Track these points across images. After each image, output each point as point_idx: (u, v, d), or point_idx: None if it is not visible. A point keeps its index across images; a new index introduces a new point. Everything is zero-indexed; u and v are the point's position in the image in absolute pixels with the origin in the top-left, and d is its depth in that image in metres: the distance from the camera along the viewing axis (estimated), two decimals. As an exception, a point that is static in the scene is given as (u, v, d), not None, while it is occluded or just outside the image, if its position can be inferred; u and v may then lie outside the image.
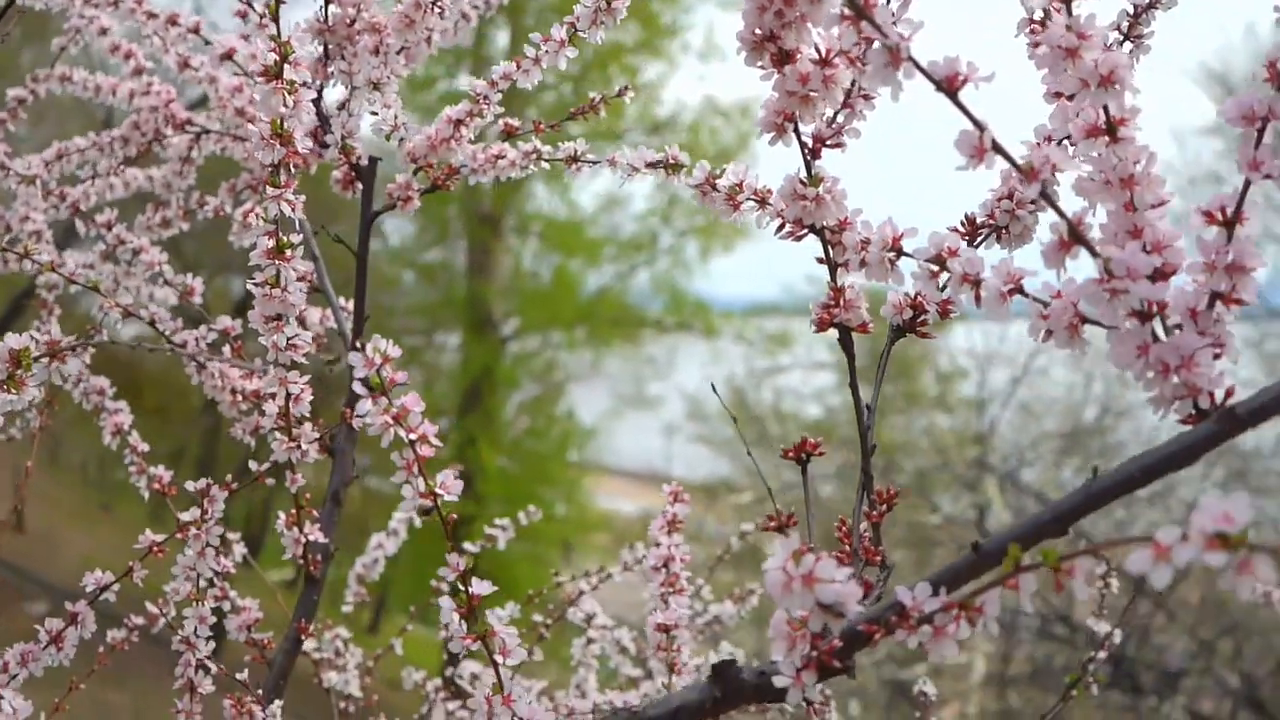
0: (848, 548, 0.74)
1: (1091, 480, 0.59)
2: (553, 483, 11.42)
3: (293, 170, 0.85)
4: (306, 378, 0.99)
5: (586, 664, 1.44)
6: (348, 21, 1.04)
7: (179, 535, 1.07)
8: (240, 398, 1.15)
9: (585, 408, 12.37)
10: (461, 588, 0.74)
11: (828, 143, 0.72)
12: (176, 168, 1.37)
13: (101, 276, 1.32)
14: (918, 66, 0.59)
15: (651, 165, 0.97)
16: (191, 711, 1.07)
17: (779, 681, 0.63)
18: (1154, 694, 5.95)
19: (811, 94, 0.68)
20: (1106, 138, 0.63)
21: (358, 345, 0.70)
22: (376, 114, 1.07)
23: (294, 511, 1.07)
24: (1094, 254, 0.60)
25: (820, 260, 0.75)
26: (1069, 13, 0.62)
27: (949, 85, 0.59)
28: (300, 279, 0.99)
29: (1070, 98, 0.65)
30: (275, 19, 0.85)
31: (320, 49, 1.07)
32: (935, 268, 0.69)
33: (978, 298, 0.67)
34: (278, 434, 1.01)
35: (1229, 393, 0.59)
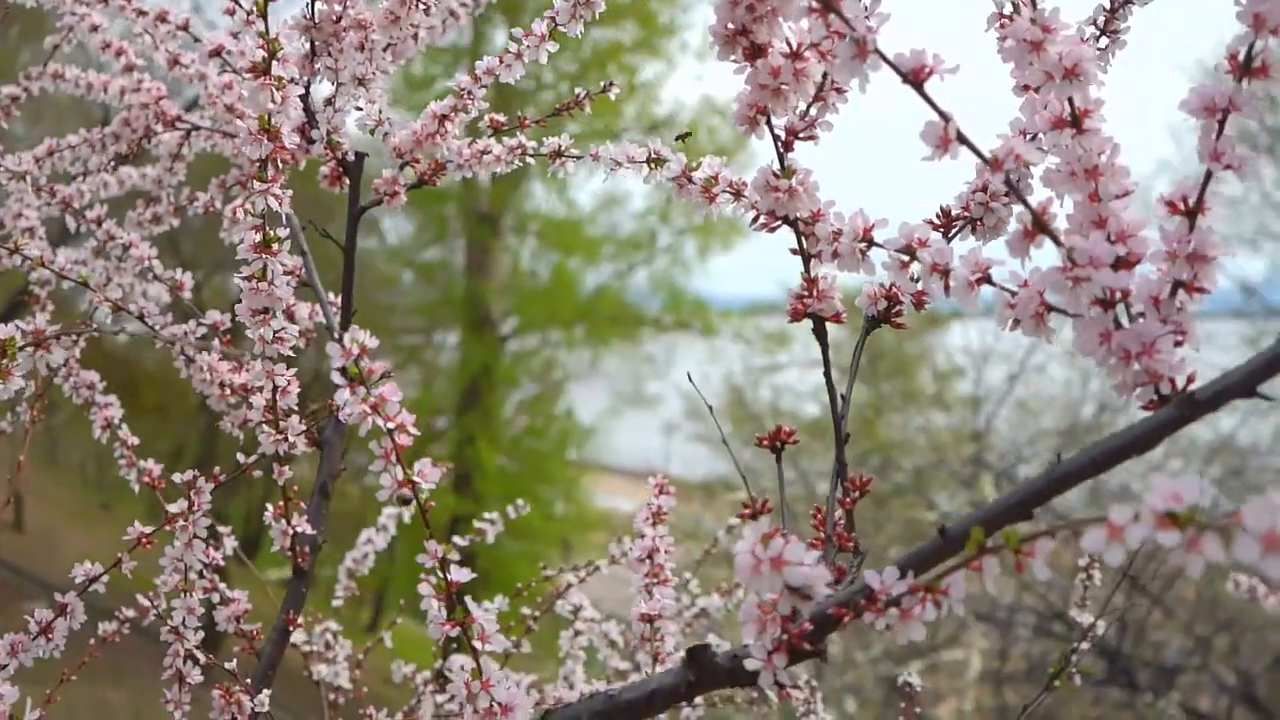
0: (822, 534, 0.75)
1: (1055, 465, 0.60)
2: (551, 481, 11.44)
3: (280, 165, 0.86)
4: (293, 370, 1.00)
5: (574, 656, 1.45)
6: (334, 18, 1.05)
7: (167, 527, 1.08)
8: (229, 391, 1.16)
9: (584, 406, 12.39)
10: (440, 574, 0.75)
11: (800, 135, 0.74)
12: (167, 164, 1.38)
13: (93, 272, 1.33)
14: (884, 58, 0.60)
15: (635, 160, 0.98)
16: (180, 701, 1.08)
17: (751, 664, 0.64)
18: (1150, 690, 5.96)
19: (783, 87, 0.69)
20: (1072, 129, 0.64)
21: (337, 336, 0.71)
22: (361, 109, 1.08)
23: (282, 504, 1.08)
24: (1057, 243, 0.61)
25: (794, 251, 0.76)
26: (1034, 6, 0.63)
27: (915, 77, 0.60)
28: (289, 274, 1.00)
29: (1037, 90, 0.66)
30: (264, 16, 0.86)
31: (307, 46, 1.08)
32: (906, 258, 0.70)
33: (946, 287, 0.68)
34: (265, 427, 1.02)
35: (1190, 379, 0.60)
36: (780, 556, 0.60)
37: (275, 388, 0.98)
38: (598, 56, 11.12)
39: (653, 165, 0.93)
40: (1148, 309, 0.62)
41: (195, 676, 1.08)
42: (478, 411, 11.33)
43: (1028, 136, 0.73)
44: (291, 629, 1.11)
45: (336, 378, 0.71)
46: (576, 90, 1.15)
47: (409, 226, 12.31)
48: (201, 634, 1.05)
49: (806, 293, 0.76)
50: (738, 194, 0.82)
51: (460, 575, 0.76)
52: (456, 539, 1.48)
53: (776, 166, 0.73)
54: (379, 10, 1.08)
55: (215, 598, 1.13)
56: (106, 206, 1.36)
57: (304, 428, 1.03)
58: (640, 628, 1.06)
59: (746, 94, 0.71)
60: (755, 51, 0.69)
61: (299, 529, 1.09)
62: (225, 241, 1.39)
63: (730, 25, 0.69)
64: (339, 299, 1.22)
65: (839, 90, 0.73)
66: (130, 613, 1.28)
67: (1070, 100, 0.64)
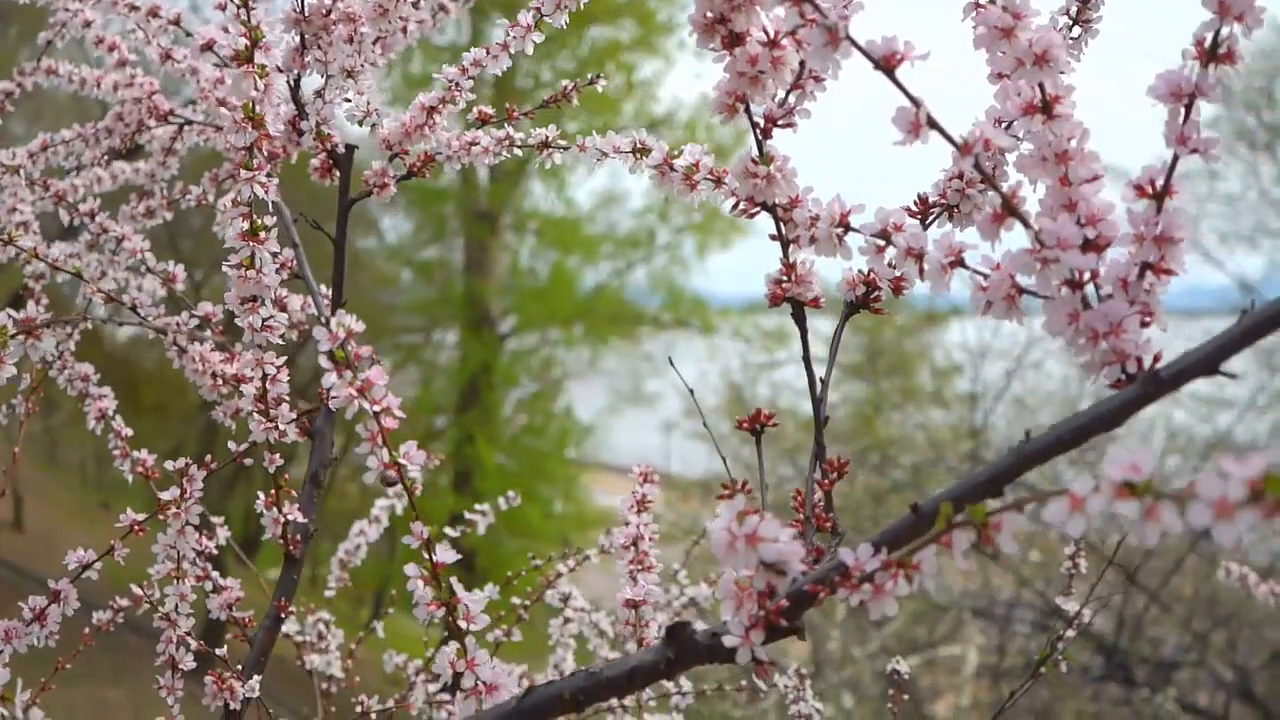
0: (802, 516, 0.76)
1: (1024, 442, 0.61)
2: (551, 480, 11.45)
3: (265, 153, 0.87)
4: (284, 359, 1.02)
5: (564, 644, 1.47)
6: (323, 12, 1.07)
7: (160, 516, 1.09)
8: (220, 381, 1.17)
9: (583, 405, 12.40)
10: (426, 555, 0.76)
11: (779, 123, 0.75)
12: (160, 159, 1.39)
13: (87, 266, 1.34)
14: (855, 45, 0.61)
15: (621, 150, 0.99)
16: (173, 687, 1.09)
17: (728, 641, 0.65)
18: (1147, 686, 5.98)
19: (761, 75, 0.70)
20: (1042, 115, 0.65)
21: (324, 321, 0.72)
22: (350, 100, 1.09)
23: (273, 492, 1.09)
24: (1026, 225, 0.62)
25: (773, 237, 0.77)
26: (1006, -7, 0.64)
27: (886, 64, 0.62)
28: (280, 266, 1.01)
29: (1009, 77, 0.67)
30: (245, 4, 0.87)
31: (297, 39, 1.09)
32: (881, 242, 0.71)
33: (921, 271, 0.69)
34: (256, 415, 1.03)
35: (1156, 358, 0.61)
36: (755, 533, 0.61)
37: (265, 376, 0.99)
38: (596, 55, 11.14)
39: (638, 155, 0.95)
40: (1116, 291, 0.63)
41: (188, 663, 1.09)
42: (477, 410, 11.34)
43: (1003, 124, 0.75)
44: (284, 616, 1.12)
45: (324, 361, 0.73)
46: (564, 83, 1.17)
47: (408, 225, 12.33)
48: (191, 619, 1.06)
49: (785, 277, 0.77)
50: (718, 181, 0.83)
51: (446, 556, 0.77)
52: (449, 530, 1.49)
53: (755, 153, 0.74)
54: (368, 4, 1.09)
55: (208, 586, 1.14)
56: (100, 200, 1.37)
57: (295, 416, 1.04)
58: (625, 613, 1.07)
59: (725, 82, 0.72)
60: (733, 40, 0.70)
61: (291, 517, 1.10)
62: (219, 235, 1.40)
63: (709, 14, 0.70)
64: (329, 290, 1.23)
65: (817, 79, 0.75)
66: (124, 602, 1.30)
67: (1041, 86, 0.65)
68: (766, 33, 0.70)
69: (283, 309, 1.00)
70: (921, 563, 0.61)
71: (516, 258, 12.22)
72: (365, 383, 0.73)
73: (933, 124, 0.62)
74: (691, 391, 0.94)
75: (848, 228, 0.74)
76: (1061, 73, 0.66)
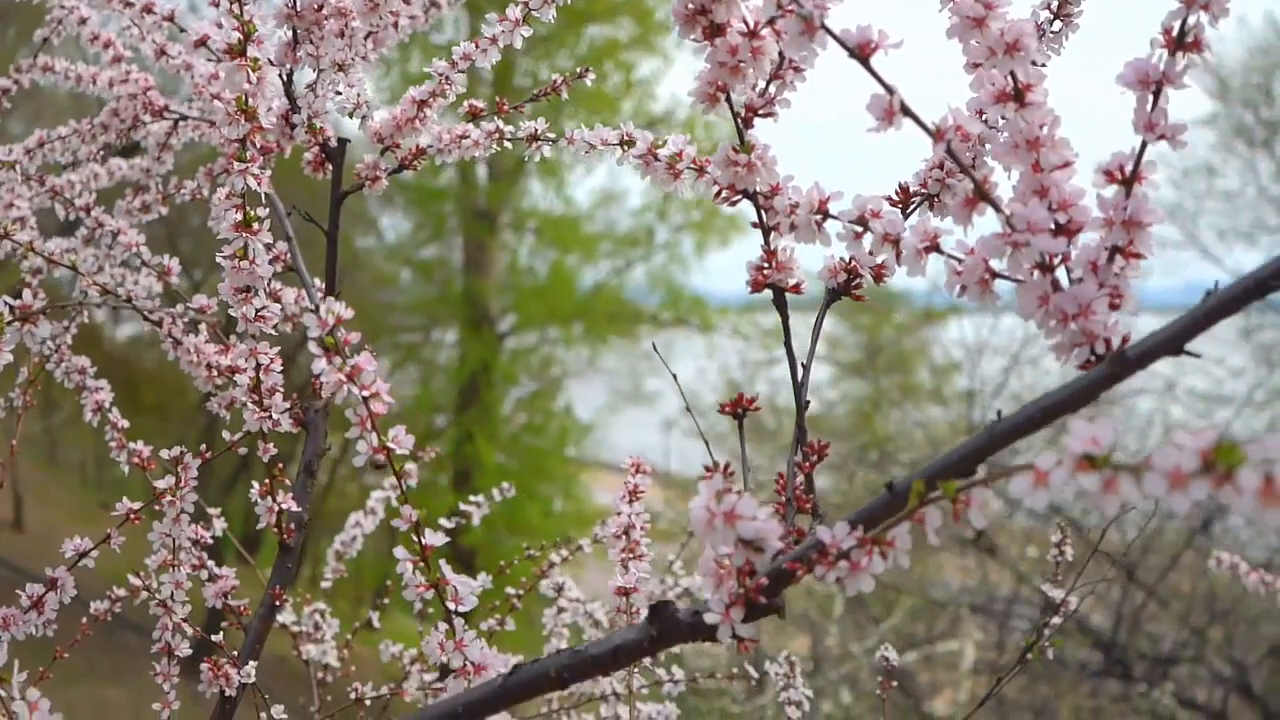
0: (784, 498, 0.78)
1: (996, 422, 0.62)
2: (551, 478, 11.46)
3: (258, 145, 0.89)
4: (278, 349, 1.03)
5: (558, 634, 1.48)
6: (315, 7, 1.08)
7: (155, 505, 1.11)
8: (215, 372, 1.18)
9: (583, 403, 12.41)
10: (415, 538, 0.78)
11: (759, 112, 0.76)
12: (155, 154, 1.41)
13: (82, 260, 1.36)
14: (831, 34, 0.63)
15: (608, 143, 1.01)
16: (169, 674, 1.11)
17: (709, 618, 0.67)
18: (1145, 681, 5.99)
19: (741, 65, 0.72)
20: (1014, 103, 0.67)
21: (314, 308, 0.73)
22: (340, 93, 1.10)
23: (267, 481, 1.11)
24: (998, 210, 0.64)
25: (754, 224, 0.79)
26: (979, -17, 0.66)
27: (861, 52, 0.63)
28: (274, 259, 1.02)
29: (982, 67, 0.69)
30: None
31: (289, 34, 1.10)
32: (859, 229, 0.73)
33: (898, 256, 0.71)
34: (250, 405, 1.04)
35: (1125, 339, 0.63)
36: (733, 511, 0.62)
37: (259, 365, 1.01)
38: (595, 53, 11.15)
39: (624, 147, 0.96)
40: (1086, 274, 0.65)
41: (184, 649, 1.11)
42: (476, 409, 11.36)
43: (981, 114, 0.76)
44: (278, 604, 1.13)
45: (314, 347, 0.74)
46: (554, 77, 1.18)
47: (406, 224, 12.35)
48: (188, 606, 1.08)
49: (766, 264, 0.79)
50: (701, 170, 0.84)
51: (434, 539, 0.79)
52: (443, 521, 1.50)
53: (736, 142, 0.76)
54: (359, -1, 1.10)
55: (204, 575, 1.16)
56: (96, 196, 1.39)
57: (288, 406, 1.06)
58: (616, 600, 1.08)
59: (707, 72, 0.74)
60: (714, 30, 0.72)
61: (285, 506, 1.11)
62: (214, 230, 1.42)
63: (690, 5, 0.71)
64: (324, 283, 1.25)
65: (796, 69, 0.76)
66: (121, 592, 1.31)
67: (1013, 74, 0.67)
68: (746, 23, 0.71)
69: (276, 301, 1.02)
70: (896, 539, 0.62)
71: (515, 256, 12.24)
72: (354, 368, 0.75)
73: (906, 111, 0.63)
74: (675, 376, 0.96)
75: (826, 214, 0.75)
76: (1034, 63, 0.68)
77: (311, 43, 1.08)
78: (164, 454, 1.05)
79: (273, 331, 0.99)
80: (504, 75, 10.33)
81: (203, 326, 1.21)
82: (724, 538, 0.63)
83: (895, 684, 1.32)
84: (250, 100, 0.87)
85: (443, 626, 0.78)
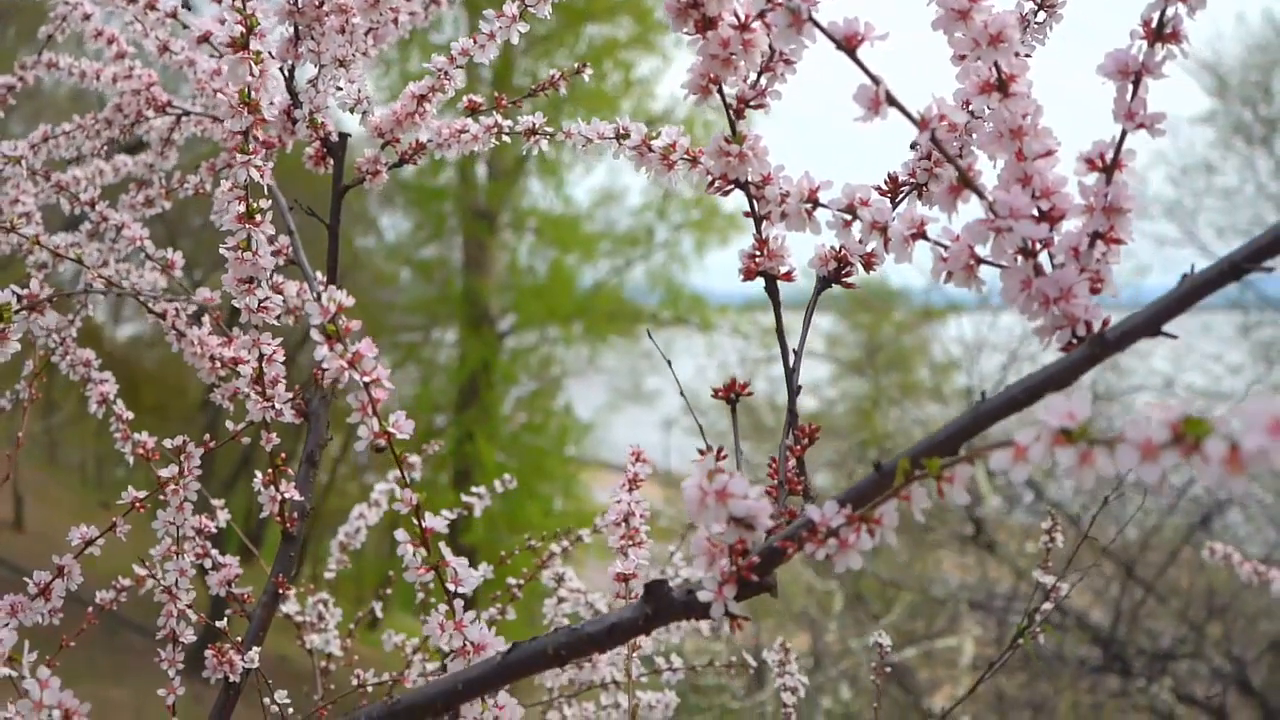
0: (776, 481, 0.79)
1: (980, 402, 0.64)
2: (551, 477, 11.48)
3: (260, 138, 0.90)
4: (280, 340, 1.05)
5: (557, 622, 1.50)
6: (316, 3, 1.10)
7: (159, 494, 1.13)
8: (218, 364, 1.20)
9: (582, 402, 12.43)
10: (415, 521, 0.79)
11: (750, 103, 0.78)
12: (159, 149, 1.43)
13: (87, 254, 1.38)
14: (818, 26, 0.65)
15: (604, 136, 1.03)
16: (174, 659, 1.12)
17: (703, 596, 0.69)
18: (1144, 677, 6.01)
19: (732, 57, 0.73)
20: (998, 93, 0.69)
21: (316, 297, 0.75)
22: (341, 88, 1.12)
23: (270, 471, 1.12)
24: (981, 196, 0.66)
25: (746, 214, 0.80)
26: (964, -22, 0.67)
27: (848, 43, 0.65)
28: (276, 253, 1.04)
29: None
30: (241, -6, 0.90)
31: (291, 31, 1.12)
32: (848, 216, 0.74)
33: (886, 243, 0.72)
34: (253, 395, 1.06)
35: (1105, 322, 0.65)
36: (725, 489, 0.64)
37: (261, 356, 1.03)
38: (594, 53, 11.16)
39: (620, 140, 0.98)
40: (1068, 259, 0.66)
41: (189, 636, 1.12)
42: (476, 408, 11.38)
43: (968, 105, 0.78)
44: (282, 591, 1.15)
45: (315, 335, 0.76)
46: (551, 72, 1.20)
47: (406, 224, 12.37)
48: (192, 593, 1.10)
49: (758, 252, 0.81)
50: (694, 161, 0.86)
51: (435, 523, 0.81)
52: (444, 511, 1.52)
53: (728, 133, 0.78)
54: (360, -5, 1.12)
55: (207, 563, 1.18)
56: (100, 191, 1.41)
57: (290, 396, 1.07)
58: (615, 587, 1.10)
59: (699, 64, 0.75)
60: (706, 24, 0.74)
61: (288, 495, 1.13)
62: (216, 224, 1.44)
63: (682, -1, 0.73)
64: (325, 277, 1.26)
65: (787, 61, 0.78)
66: (126, 582, 1.33)
67: (996, 65, 0.68)
68: (737, 17, 0.73)
69: (278, 293, 1.04)
70: (884, 516, 0.64)
71: (515, 256, 12.26)
72: (356, 355, 0.76)
73: (891, 101, 0.65)
74: (670, 363, 0.97)
75: (816, 203, 0.77)
76: (1017, 54, 0.69)
77: (313, 39, 1.10)
78: (168, 443, 1.07)
79: (275, 322, 1.01)
80: (503, 75, 10.36)
81: (206, 319, 1.23)
82: (716, 516, 0.64)
83: (889, 670, 1.33)
84: (253, 93, 0.89)
85: (443, 608, 0.80)
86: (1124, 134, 0.67)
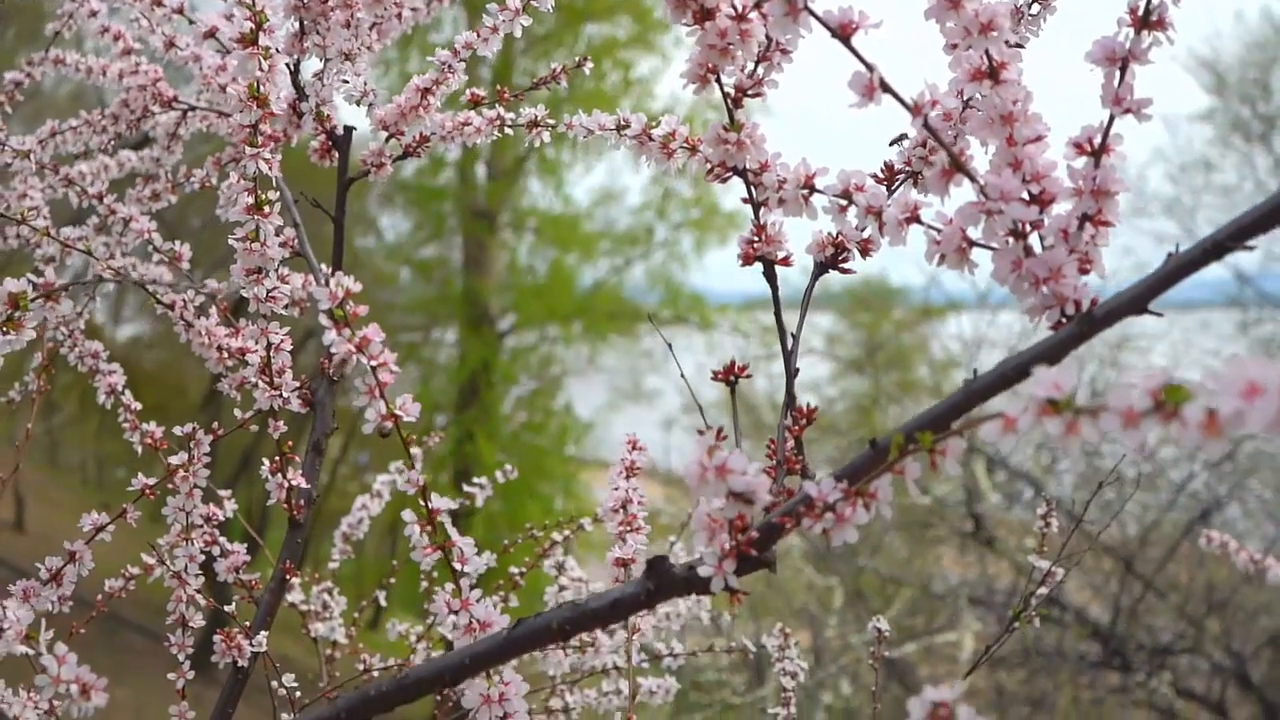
0: (774, 461, 0.81)
1: (972, 380, 0.66)
2: (551, 477, 11.50)
3: (268, 132, 0.92)
4: (287, 330, 1.07)
5: (559, 610, 1.51)
6: (322, -1, 1.12)
7: (169, 482, 1.15)
8: (226, 354, 1.22)
9: (582, 402, 12.45)
10: (422, 502, 0.81)
11: (748, 92, 0.80)
12: (165, 144, 1.44)
13: (95, 247, 1.39)
14: (814, 15, 0.67)
15: (605, 128, 1.04)
16: (184, 644, 1.14)
17: (703, 571, 0.70)
18: (1143, 672, 6.03)
19: (730, 47, 0.75)
20: (989, 80, 0.70)
21: (324, 282, 0.77)
22: (347, 81, 1.14)
23: (277, 458, 1.14)
24: (973, 180, 0.67)
25: (744, 200, 0.82)
26: (954, -31, 0.69)
27: (843, 32, 0.67)
28: (282, 244, 1.06)
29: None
30: (250, -10, 0.92)
31: (296, 25, 1.14)
32: (844, 202, 0.76)
33: (881, 227, 0.74)
34: (260, 383, 1.08)
35: (1094, 301, 0.67)
36: (724, 465, 0.66)
37: (269, 345, 1.04)
38: (593, 52, 11.16)
39: (620, 131, 1.00)
40: (1057, 241, 0.68)
41: (198, 621, 1.14)
42: (476, 408, 11.40)
43: (962, 95, 0.80)
44: (289, 577, 1.17)
45: (324, 320, 0.78)
46: (553, 66, 1.22)
47: (406, 224, 12.39)
48: (201, 577, 1.11)
49: (756, 237, 0.83)
50: (693, 149, 0.88)
51: (441, 503, 0.83)
52: (447, 500, 1.53)
53: (726, 121, 0.79)
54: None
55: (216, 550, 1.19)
56: (107, 185, 1.42)
57: (298, 385, 1.09)
58: (614, 572, 1.12)
59: (697, 54, 0.77)
60: (704, 14, 0.75)
61: (294, 482, 1.15)
62: (221, 219, 1.45)
63: (681, -10, 0.75)
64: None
65: (783, 51, 0.80)
66: (135, 570, 1.35)
67: (987, 53, 0.70)
68: (735, 7, 0.75)
69: (285, 283, 1.05)
70: (879, 490, 0.66)
71: (515, 255, 12.28)
72: (363, 339, 0.78)
73: (885, 87, 0.67)
74: (672, 348, 0.99)
75: (813, 189, 0.79)
76: (1008, 43, 0.71)
77: (318, 33, 1.12)
78: (177, 430, 1.09)
79: (283, 312, 1.03)
80: (503, 75, 10.37)
81: (213, 310, 1.24)
82: (716, 491, 0.66)
83: (889, 662, 1.35)
84: (261, 87, 0.91)
85: (449, 587, 0.81)
86: (1111, 119, 0.69)
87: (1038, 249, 0.69)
